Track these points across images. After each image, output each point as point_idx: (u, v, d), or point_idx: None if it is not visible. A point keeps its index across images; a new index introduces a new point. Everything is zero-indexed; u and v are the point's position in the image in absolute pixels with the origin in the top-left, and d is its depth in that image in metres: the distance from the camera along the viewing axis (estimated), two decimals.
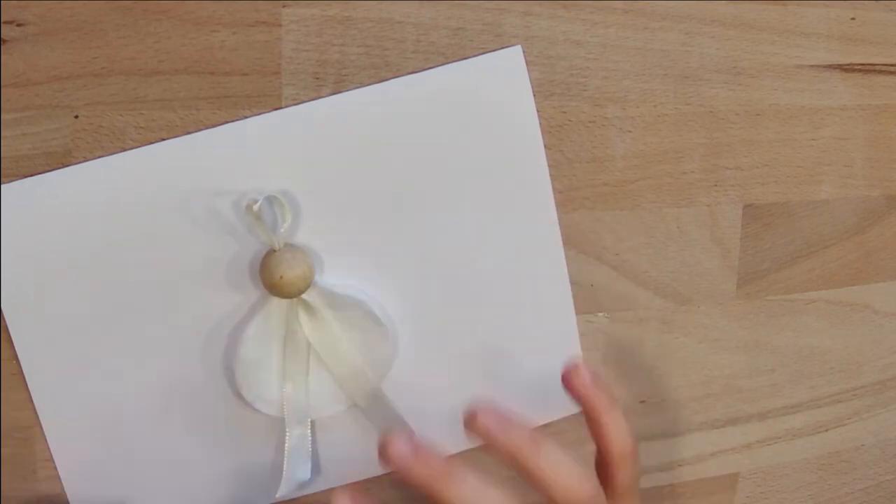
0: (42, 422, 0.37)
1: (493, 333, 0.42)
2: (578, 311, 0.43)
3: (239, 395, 0.39)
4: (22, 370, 0.37)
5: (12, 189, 0.36)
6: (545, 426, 0.43)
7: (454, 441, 0.42)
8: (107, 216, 0.37)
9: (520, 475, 0.34)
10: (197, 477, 0.39)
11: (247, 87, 0.38)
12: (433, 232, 0.40)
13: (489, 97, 0.40)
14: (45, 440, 0.37)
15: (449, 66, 0.40)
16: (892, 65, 0.47)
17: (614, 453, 0.35)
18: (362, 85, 0.39)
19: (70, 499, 0.38)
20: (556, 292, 0.42)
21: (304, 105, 0.38)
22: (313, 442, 0.41)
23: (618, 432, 0.35)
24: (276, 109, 0.38)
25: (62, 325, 0.37)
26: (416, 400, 0.41)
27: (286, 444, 0.40)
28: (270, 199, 0.37)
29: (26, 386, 0.37)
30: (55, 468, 0.38)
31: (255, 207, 0.36)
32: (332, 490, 0.38)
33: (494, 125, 0.40)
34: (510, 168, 0.41)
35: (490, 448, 0.34)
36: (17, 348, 0.37)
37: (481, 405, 0.34)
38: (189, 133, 0.37)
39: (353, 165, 0.39)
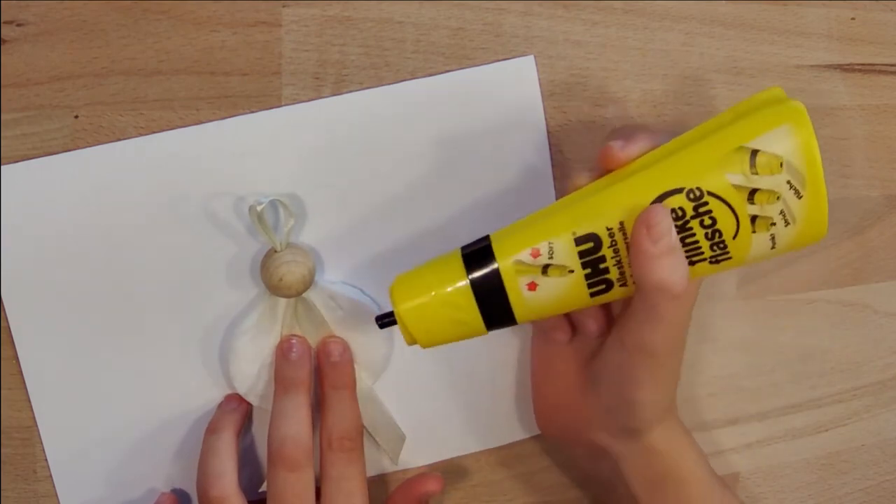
0: (38, 423, 0.37)
1: (491, 336, 0.42)
2: None
3: (232, 388, 0.39)
4: (22, 370, 0.37)
5: (13, 171, 0.36)
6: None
7: (442, 445, 0.42)
8: (107, 205, 0.37)
9: None
10: (192, 472, 0.39)
11: (247, 87, 0.38)
12: (434, 233, 0.40)
13: (498, 103, 0.40)
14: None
15: (462, 71, 0.40)
16: (892, 65, 0.47)
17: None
18: (362, 85, 0.39)
19: (61, 499, 0.38)
20: None
21: (313, 103, 0.38)
22: None
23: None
24: (278, 107, 0.38)
25: (62, 322, 0.37)
26: (408, 402, 0.41)
27: None
28: (274, 203, 0.37)
29: (26, 386, 0.37)
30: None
31: (259, 209, 0.36)
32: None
33: (502, 130, 0.40)
34: (514, 171, 0.41)
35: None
36: (17, 347, 0.37)
37: None
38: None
39: (359, 166, 0.39)
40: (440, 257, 0.34)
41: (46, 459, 0.38)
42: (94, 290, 0.37)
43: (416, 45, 0.40)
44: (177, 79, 0.37)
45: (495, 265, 0.32)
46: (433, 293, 0.33)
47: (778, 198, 0.31)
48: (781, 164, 0.30)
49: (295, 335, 0.39)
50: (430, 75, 0.40)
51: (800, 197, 0.31)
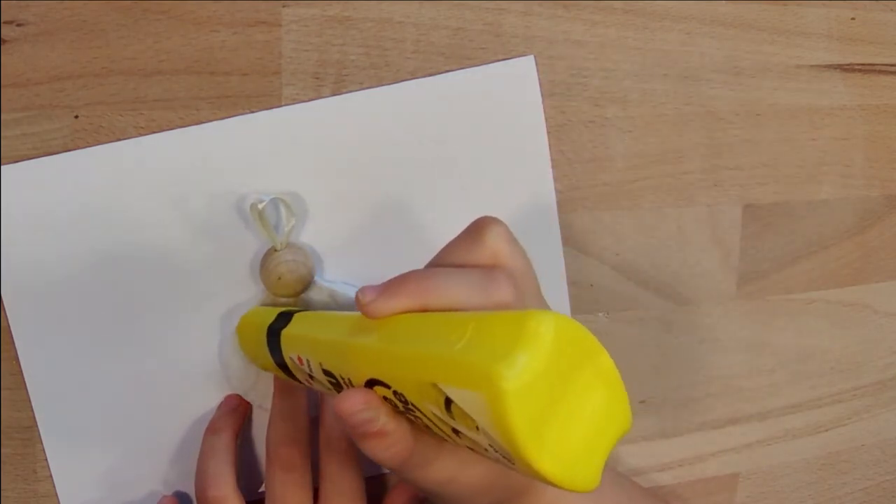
0: (38, 423, 0.37)
1: None
2: (578, 311, 0.43)
3: (232, 388, 0.39)
4: (22, 370, 0.37)
5: (13, 171, 0.36)
6: None
7: None
8: (107, 205, 0.37)
9: None
10: (192, 473, 0.39)
11: (247, 87, 0.38)
12: (433, 233, 0.40)
13: (499, 103, 0.40)
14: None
15: (461, 71, 0.40)
16: (892, 65, 0.47)
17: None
18: (362, 85, 0.39)
19: (61, 499, 0.38)
20: (553, 292, 0.42)
21: (313, 103, 0.38)
22: None
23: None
24: (278, 107, 0.38)
25: (62, 322, 0.37)
26: None
27: None
28: (276, 201, 0.37)
29: (26, 386, 0.37)
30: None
31: (260, 207, 0.36)
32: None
33: (501, 130, 0.40)
34: (514, 171, 0.41)
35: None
36: (17, 347, 0.37)
37: None
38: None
39: (359, 165, 0.39)
40: (265, 314, 0.35)
41: (46, 459, 0.38)
42: (94, 290, 0.37)
43: (416, 45, 0.40)
44: (177, 79, 0.37)
45: (281, 354, 0.33)
46: (254, 346, 0.35)
47: (486, 448, 0.24)
48: (477, 427, 0.23)
49: None
50: (430, 75, 0.40)
51: (512, 462, 0.23)
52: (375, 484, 0.42)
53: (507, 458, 0.23)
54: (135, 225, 0.37)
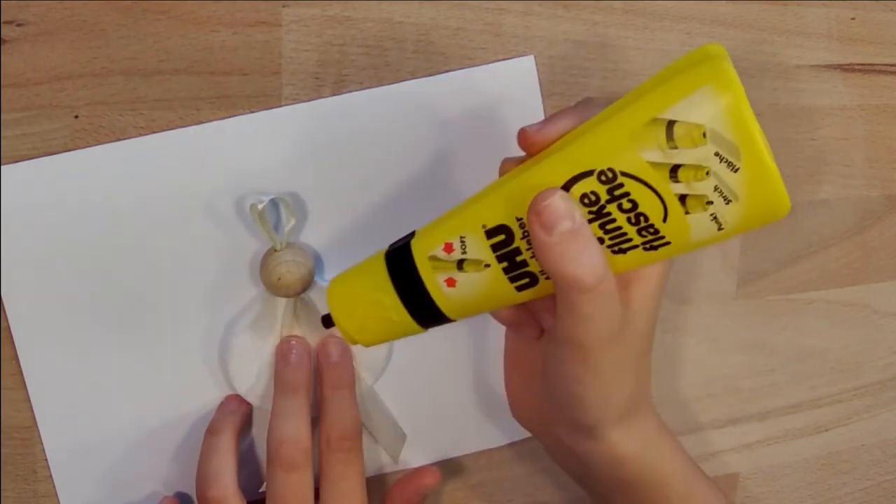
0: (38, 423, 0.37)
1: (490, 335, 0.42)
2: None
3: (232, 388, 0.39)
4: (22, 370, 0.37)
5: (13, 171, 0.36)
6: None
7: (443, 444, 0.42)
8: (107, 205, 0.37)
9: None
10: (192, 473, 0.39)
11: (247, 87, 0.38)
12: None
13: (499, 103, 0.40)
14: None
15: (461, 71, 0.40)
16: (892, 65, 0.47)
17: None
18: (362, 85, 0.39)
19: (61, 499, 0.38)
20: None
21: (313, 103, 0.38)
22: None
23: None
24: (278, 107, 0.38)
25: (62, 322, 0.37)
26: (409, 401, 0.41)
27: None
28: (276, 201, 0.37)
29: (26, 386, 0.37)
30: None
31: (260, 207, 0.36)
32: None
33: (502, 130, 0.40)
34: None
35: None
36: (17, 347, 0.37)
37: None
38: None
39: (359, 165, 0.39)
40: (370, 257, 0.33)
41: (46, 459, 0.38)
42: (93, 290, 0.37)
43: (416, 45, 0.40)
44: (177, 79, 0.37)
45: (413, 263, 0.31)
46: (361, 293, 0.32)
47: (707, 173, 0.26)
48: (704, 134, 0.25)
49: (294, 336, 0.39)
50: (430, 75, 0.40)
51: (735, 170, 0.25)
52: (375, 484, 0.42)
53: (731, 163, 0.25)
54: (134, 225, 0.37)
